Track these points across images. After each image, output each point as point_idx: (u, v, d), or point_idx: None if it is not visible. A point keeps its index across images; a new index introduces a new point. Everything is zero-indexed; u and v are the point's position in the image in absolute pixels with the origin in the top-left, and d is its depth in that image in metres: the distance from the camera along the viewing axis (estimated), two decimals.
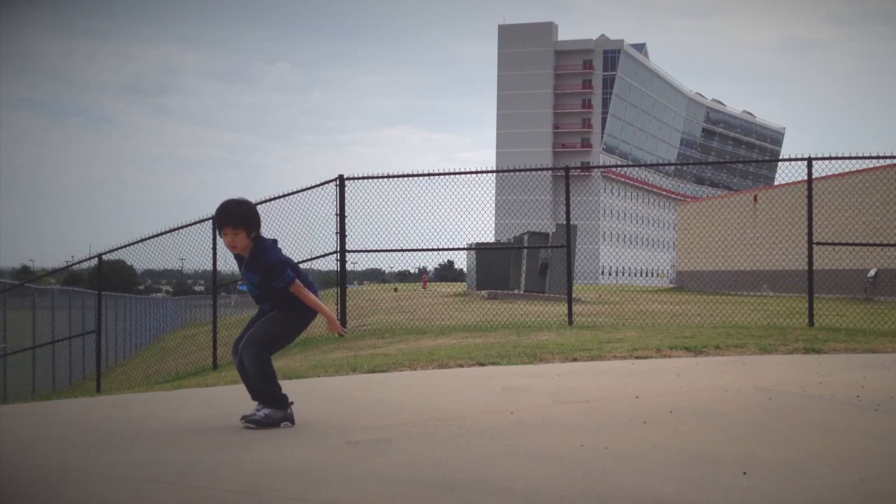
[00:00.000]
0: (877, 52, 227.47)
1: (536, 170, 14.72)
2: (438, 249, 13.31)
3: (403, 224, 13.37)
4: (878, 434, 4.73)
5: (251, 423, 4.98)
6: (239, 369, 5.18)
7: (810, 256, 12.19)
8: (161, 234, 13.74)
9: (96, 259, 15.17)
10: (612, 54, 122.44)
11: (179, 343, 23.62)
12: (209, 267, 13.67)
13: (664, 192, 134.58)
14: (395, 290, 29.13)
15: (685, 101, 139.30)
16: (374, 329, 13.05)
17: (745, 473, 3.82)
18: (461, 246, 15.01)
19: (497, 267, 26.73)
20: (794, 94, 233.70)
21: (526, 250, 24.71)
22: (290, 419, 5.04)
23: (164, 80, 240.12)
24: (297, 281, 5.03)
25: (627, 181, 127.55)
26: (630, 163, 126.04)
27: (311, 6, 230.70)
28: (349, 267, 13.75)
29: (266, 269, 5.01)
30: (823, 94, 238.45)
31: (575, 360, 8.31)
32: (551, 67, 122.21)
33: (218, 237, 13.12)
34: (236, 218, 5.03)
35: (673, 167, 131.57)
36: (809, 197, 12.19)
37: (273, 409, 5.02)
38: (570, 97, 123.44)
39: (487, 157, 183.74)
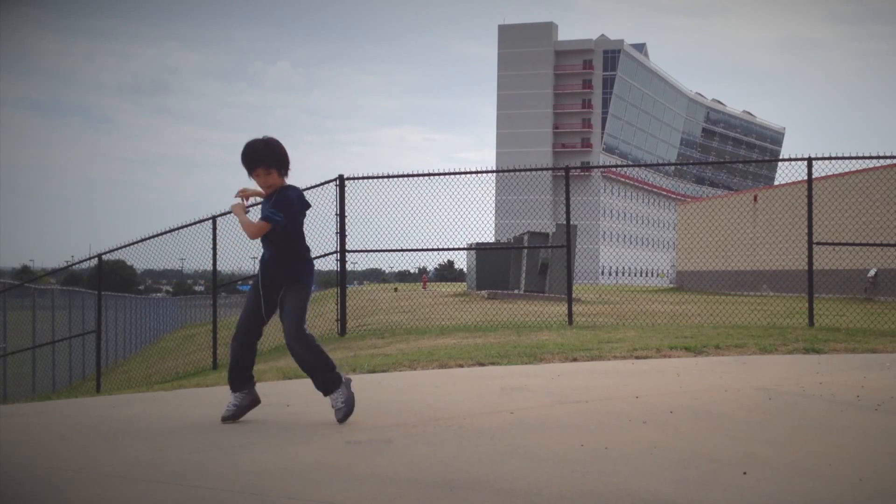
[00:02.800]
0: (877, 51, 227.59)
1: (536, 170, 14.68)
2: (438, 249, 13.30)
3: (403, 224, 13.37)
4: (878, 434, 4.73)
5: (345, 415, 5.02)
6: (299, 363, 5.14)
7: (810, 256, 12.19)
8: (161, 234, 13.74)
9: (96, 259, 15.17)
10: (612, 54, 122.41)
11: (179, 343, 23.61)
12: (209, 267, 13.66)
13: (664, 192, 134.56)
14: (396, 290, 29.12)
15: (685, 101, 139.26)
16: (374, 329, 13.05)
17: (745, 473, 3.82)
18: (461, 246, 14.99)
19: (497, 267, 26.67)
20: (794, 94, 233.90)
21: (526, 250, 24.67)
22: (348, 385, 5.10)
23: (163, 79, 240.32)
24: (270, 224, 4.98)
25: (627, 181, 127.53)
26: (630, 163, 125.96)
27: (311, 6, 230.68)
28: (349, 267, 13.75)
29: (277, 200, 5.02)
30: (823, 94, 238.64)
31: (575, 360, 8.30)
32: (551, 67, 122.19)
33: (219, 235, 13.29)
34: (267, 158, 5.03)
35: (673, 167, 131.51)
36: (809, 197, 12.19)
37: (339, 389, 5.06)
38: (570, 97, 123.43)
39: (487, 157, 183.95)
